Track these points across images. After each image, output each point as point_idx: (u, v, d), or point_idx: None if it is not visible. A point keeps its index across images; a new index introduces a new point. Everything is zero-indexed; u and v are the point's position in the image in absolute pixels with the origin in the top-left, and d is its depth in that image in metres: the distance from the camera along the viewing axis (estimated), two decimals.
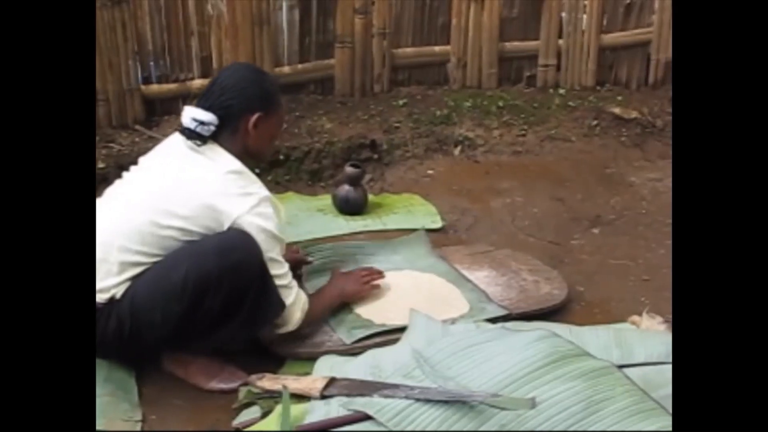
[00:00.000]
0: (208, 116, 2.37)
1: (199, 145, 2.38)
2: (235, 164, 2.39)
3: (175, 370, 2.40)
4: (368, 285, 2.69)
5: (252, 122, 2.41)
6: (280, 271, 2.38)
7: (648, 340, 2.32)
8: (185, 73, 3.99)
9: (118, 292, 2.27)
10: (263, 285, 2.33)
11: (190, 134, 2.39)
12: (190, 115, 2.39)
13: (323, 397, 2.12)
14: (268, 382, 2.25)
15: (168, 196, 2.33)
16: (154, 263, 2.29)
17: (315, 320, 2.53)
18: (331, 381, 2.17)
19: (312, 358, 2.42)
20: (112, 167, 3.39)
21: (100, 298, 2.25)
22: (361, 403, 2.04)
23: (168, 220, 2.30)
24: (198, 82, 3.98)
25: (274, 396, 2.19)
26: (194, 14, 3.92)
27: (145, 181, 2.44)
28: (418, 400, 2.00)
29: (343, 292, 2.64)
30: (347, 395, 2.10)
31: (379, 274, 2.74)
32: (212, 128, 2.38)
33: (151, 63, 3.94)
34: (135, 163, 2.55)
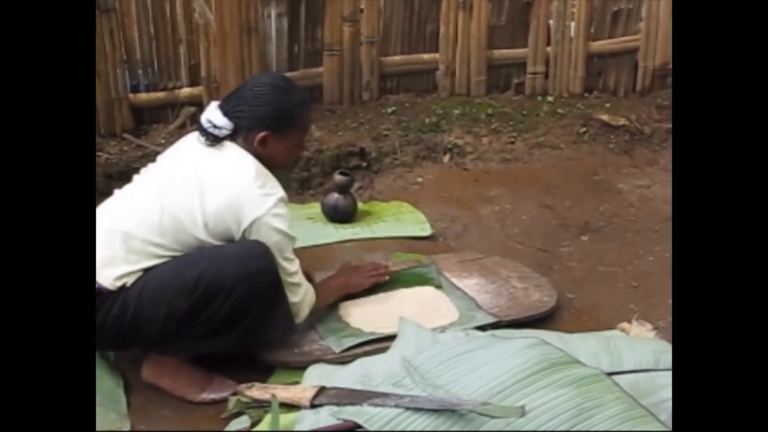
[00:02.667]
0: (222, 121, 2.40)
1: (210, 145, 2.40)
2: (253, 164, 2.39)
3: (159, 381, 2.38)
4: (372, 278, 2.77)
5: (258, 139, 2.41)
6: (293, 269, 2.42)
7: (637, 347, 2.32)
8: (173, 81, 3.98)
9: (130, 280, 2.26)
10: (273, 301, 2.35)
11: (203, 133, 2.42)
12: (207, 116, 2.42)
13: (313, 406, 2.11)
14: (257, 391, 2.24)
15: (190, 192, 2.32)
16: (171, 257, 2.29)
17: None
18: (321, 390, 2.16)
19: (301, 367, 2.41)
20: (101, 176, 3.37)
21: (113, 285, 2.24)
22: (350, 412, 2.03)
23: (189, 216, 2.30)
24: (186, 91, 3.99)
25: (263, 405, 2.18)
26: (182, 22, 3.92)
27: (167, 175, 2.42)
28: (407, 408, 1.99)
29: (347, 283, 2.74)
30: (337, 404, 2.09)
31: (386, 268, 2.83)
32: (225, 132, 2.40)
33: (140, 71, 3.93)
34: (123, 172, 2.55)
